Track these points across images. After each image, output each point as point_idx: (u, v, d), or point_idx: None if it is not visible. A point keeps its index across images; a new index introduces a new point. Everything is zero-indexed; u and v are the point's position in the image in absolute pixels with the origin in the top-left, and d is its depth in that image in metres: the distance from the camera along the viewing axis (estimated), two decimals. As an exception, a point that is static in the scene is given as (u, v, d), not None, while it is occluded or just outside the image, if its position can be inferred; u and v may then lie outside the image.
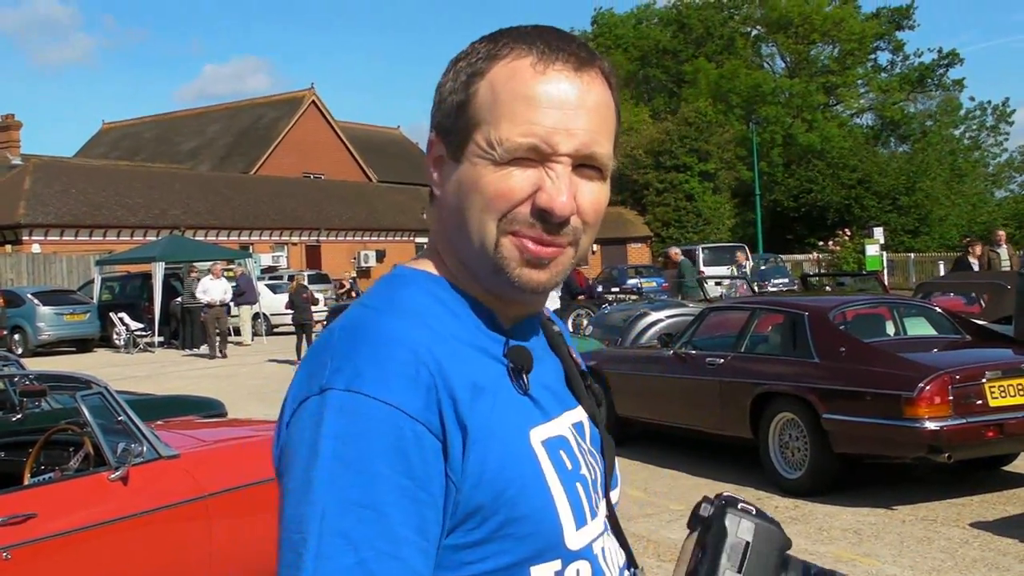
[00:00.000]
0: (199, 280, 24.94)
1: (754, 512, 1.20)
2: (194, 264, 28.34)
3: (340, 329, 1.22)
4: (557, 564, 1.22)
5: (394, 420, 1.12)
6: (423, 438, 1.13)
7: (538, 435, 1.25)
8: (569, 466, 1.26)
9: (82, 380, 5.16)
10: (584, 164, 1.26)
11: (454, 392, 1.17)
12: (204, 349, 24.88)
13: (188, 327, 26.52)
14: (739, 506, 1.20)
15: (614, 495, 1.38)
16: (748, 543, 1.17)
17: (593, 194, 1.28)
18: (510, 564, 1.19)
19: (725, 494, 1.24)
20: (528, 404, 1.26)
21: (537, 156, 1.23)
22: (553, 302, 20.81)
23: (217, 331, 23.49)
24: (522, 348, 1.28)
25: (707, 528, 1.20)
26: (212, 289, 23.87)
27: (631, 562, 1.37)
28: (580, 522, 1.25)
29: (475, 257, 1.28)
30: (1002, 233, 22.08)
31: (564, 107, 1.24)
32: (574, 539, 1.24)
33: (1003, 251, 20.71)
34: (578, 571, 1.25)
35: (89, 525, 4.54)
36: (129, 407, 5.03)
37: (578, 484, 1.27)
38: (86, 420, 4.83)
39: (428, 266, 1.35)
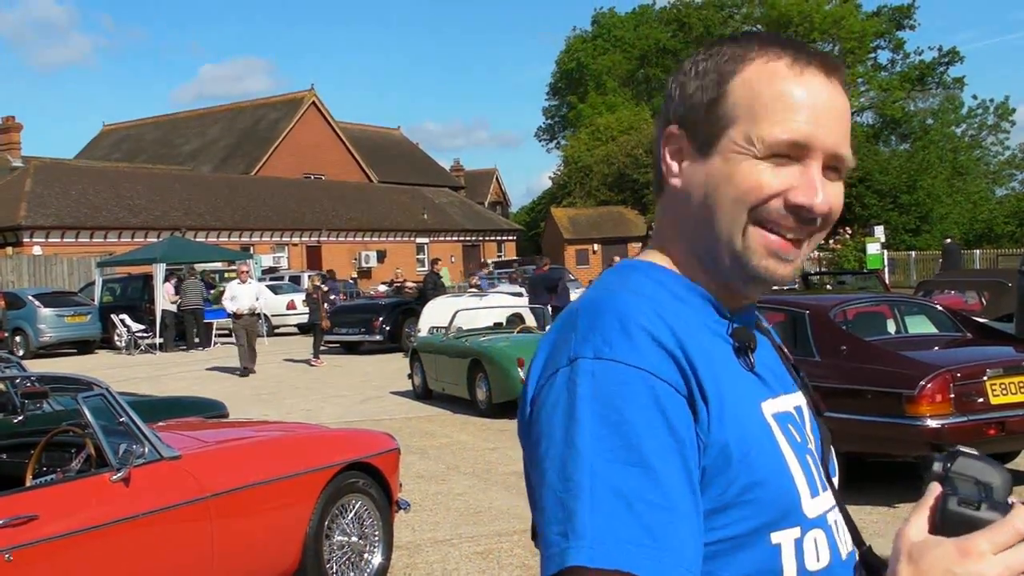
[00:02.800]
0: (198, 284, 24.74)
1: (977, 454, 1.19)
2: (193, 266, 28.37)
3: (580, 308, 1.26)
4: (796, 531, 1.25)
5: (648, 382, 1.16)
6: (676, 399, 1.17)
7: (768, 408, 1.29)
8: (798, 439, 1.31)
9: (83, 381, 5.16)
10: (830, 164, 1.31)
11: (692, 359, 1.20)
12: (202, 351, 24.92)
13: (191, 329, 26.64)
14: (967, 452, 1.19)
15: (835, 481, 1.40)
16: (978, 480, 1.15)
17: (837, 194, 1.32)
18: (752, 529, 1.21)
19: (956, 447, 1.21)
20: (755, 380, 1.31)
21: (794, 153, 1.28)
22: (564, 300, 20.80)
23: (246, 344, 19.98)
24: (745, 328, 1.34)
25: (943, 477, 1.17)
26: (241, 295, 20.09)
27: (858, 541, 1.38)
28: (813, 492, 1.29)
29: (718, 247, 1.31)
30: None
31: (820, 108, 1.28)
32: (810, 507, 1.27)
33: None
34: (815, 540, 1.27)
35: (91, 527, 4.54)
36: (131, 408, 5.03)
37: (807, 456, 1.31)
38: (88, 421, 4.83)
39: (653, 257, 1.38)
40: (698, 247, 1.33)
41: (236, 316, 19.89)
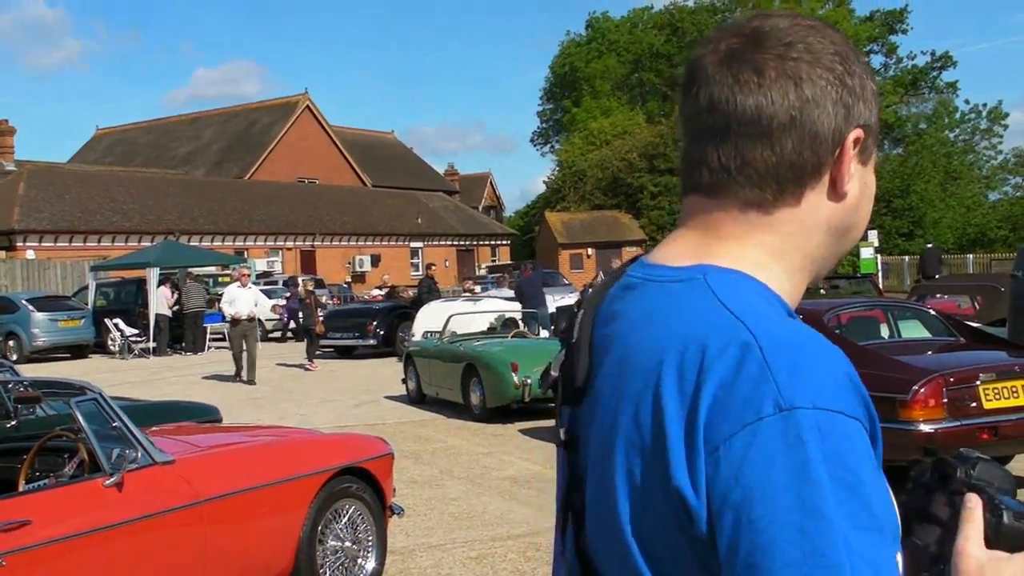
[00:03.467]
0: (200, 287, 24.67)
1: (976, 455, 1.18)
2: (191, 270, 28.36)
3: (766, 340, 1.06)
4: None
5: (862, 433, 1.04)
6: (873, 450, 1.06)
7: None
8: None
9: (76, 386, 5.16)
10: None
11: (865, 394, 1.08)
12: (196, 356, 24.89)
13: (191, 332, 26.72)
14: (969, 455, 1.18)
15: None
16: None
17: None
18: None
19: (961, 451, 1.20)
20: None
21: None
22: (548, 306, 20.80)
23: (244, 350, 19.15)
24: None
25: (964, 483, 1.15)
26: (239, 300, 19.19)
27: None
28: None
29: (842, 252, 1.27)
30: None
31: None
32: None
33: None
34: None
35: (84, 532, 4.54)
36: (124, 413, 5.02)
37: None
38: (80, 426, 4.82)
39: (743, 267, 1.20)
40: (823, 259, 1.25)
41: (234, 321, 19.17)
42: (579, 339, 1.23)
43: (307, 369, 21.26)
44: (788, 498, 0.99)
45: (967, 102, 69.95)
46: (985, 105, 68.19)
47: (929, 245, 33.68)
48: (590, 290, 1.36)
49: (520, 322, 18.01)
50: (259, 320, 25.83)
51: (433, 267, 28.03)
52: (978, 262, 38.06)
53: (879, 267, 34.26)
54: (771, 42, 1.21)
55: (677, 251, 1.23)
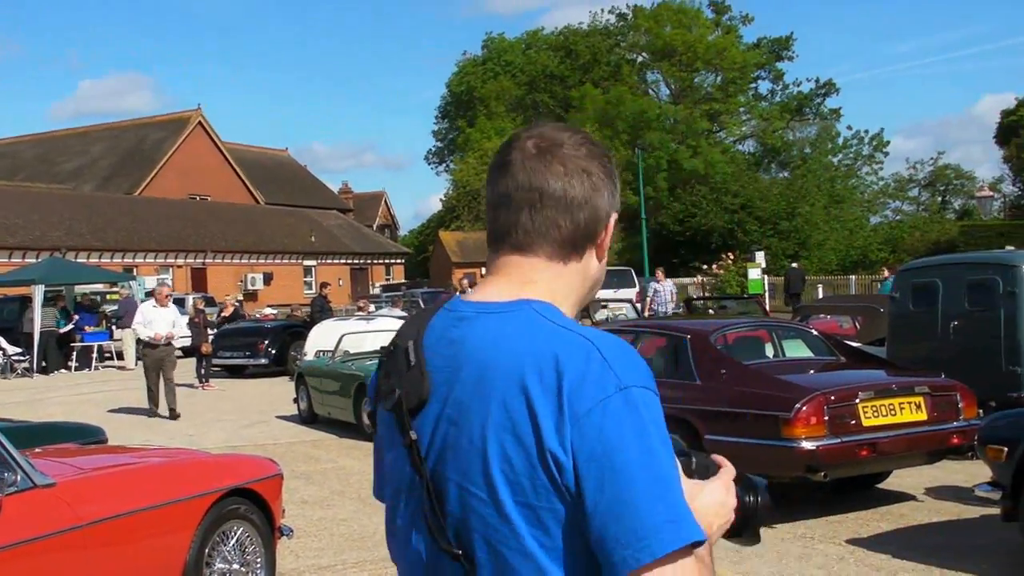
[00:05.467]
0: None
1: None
2: (61, 291, 27.75)
3: (602, 343, 1.54)
4: None
5: (659, 403, 1.54)
6: None
7: None
8: None
9: (-46, 408, 5.03)
10: None
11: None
12: (84, 375, 24.27)
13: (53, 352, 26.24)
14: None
15: None
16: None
17: None
18: None
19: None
20: None
21: None
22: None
23: (159, 378, 16.67)
24: None
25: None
26: (157, 321, 16.63)
27: None
28: None
29: (590, 298, 1.77)
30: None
31: None
32: None
33: None
34: None
35: (-40, 557, 4.42)
36: (3, 434, 4.91)
37: None
38: (-42, 449, 4.71)
39: (551, 300, 1.66)
40: (582, 300, 1.72)
41: (149, 346, 16.62)
42: (418, 362, 1.62)
43: (202, 388, 20.92)
44: (636, 446, 1.46)
45: (849, 128, 72.09)
46: (867, 131, 70.34)
47: (794, 265, 34.90)
48: (401, 325, 1.75)
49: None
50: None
51: (327, 286, 27.80)
52: (860, 283, 39.06)
53: (766, 287, 34.95)
54: (568, 145, 1.67)
55: (495, 292, 1.66)
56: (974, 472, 9.74)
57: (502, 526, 1.51)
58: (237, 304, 31.12)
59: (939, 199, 74.84)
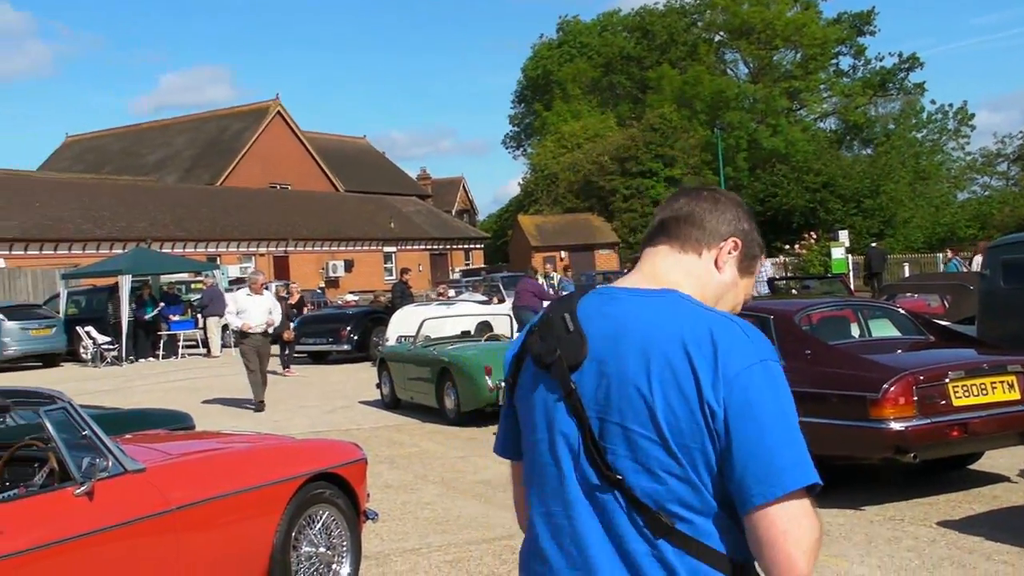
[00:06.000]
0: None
1: None
2: (147, 281, 28.26)
3: (733, 323, 1.99)
4: None
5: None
6: None
7: None
8: None
9: (45, 395, 5.12)
10: None
11: None
12: (171, 363, 24.71)
13: (140, 340, 26.74)
14: None
15: None
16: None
17: None
18: None
19: None
20: None
21: None
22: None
23: (257, 370, 16.04)
24: None
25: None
26: (251, 309, 15.98)
27: None
28: None
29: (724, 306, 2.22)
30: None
31: None
32: None
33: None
34: None
35: (54, 541, 4.50)
36: (94, 421, 4.99)
37: None
38: (50, 435, 4.80)
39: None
40: (710, 300, 2.17)
41: (243, 335, 16.03)
42: (576, 329, 2.04)
43: (284, 375, 21.19)
44: (772, 404, 1.91)
45: (933, 102, 70.33)
46: (952, 105, 68.71)
47: (874, 244, 34.50)
48: (549, 303, 2.32)
49: (492, 325, 18.00)
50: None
51: (408, 272, 27.89)
52: (948, 261, 38.26)
53: (850, 267, 34.42)
54: (710, 192, 2.28)
55: (638, 282, 2.14)
56: (1070, 452, 9.51)
57: (664, 458, 1.93)
58: (303, 292, 30.95)
59: (1029, 174, 73.02)
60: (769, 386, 1.91)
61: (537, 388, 2.07)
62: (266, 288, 16.63)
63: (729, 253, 2.17)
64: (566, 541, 2.02)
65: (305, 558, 5.92)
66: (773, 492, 1.85)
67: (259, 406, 15.92)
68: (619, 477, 1.95)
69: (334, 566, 6.13)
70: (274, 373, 20.95)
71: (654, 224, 2.24)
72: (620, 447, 1.95)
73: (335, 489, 6.14)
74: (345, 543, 6.20)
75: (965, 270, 23.15)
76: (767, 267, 27.24)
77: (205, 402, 17.19)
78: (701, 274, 2.15)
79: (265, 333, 16.08)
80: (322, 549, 6.03)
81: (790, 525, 1.86)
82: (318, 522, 6.03)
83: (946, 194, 62.84)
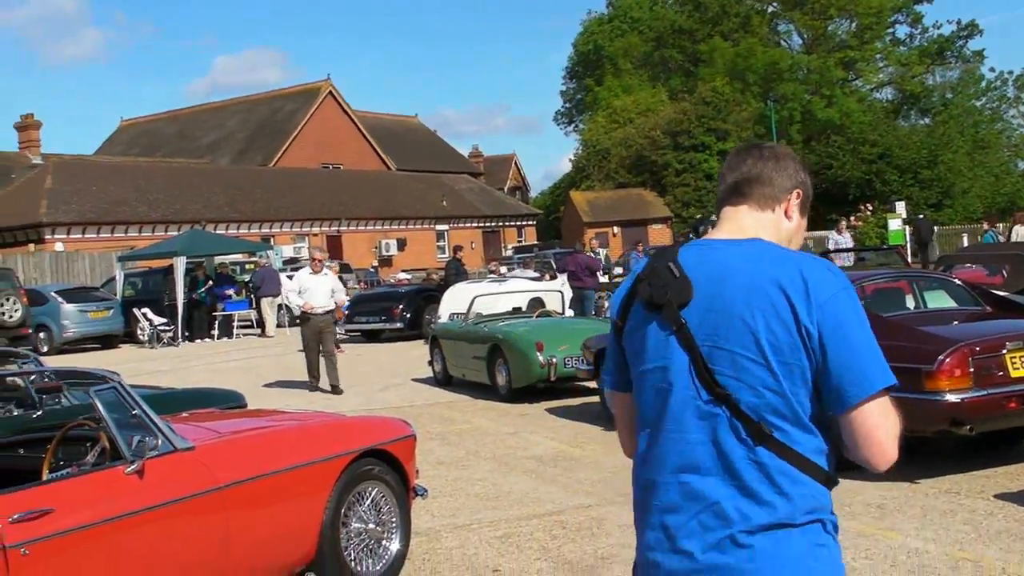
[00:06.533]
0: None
1: None
2: (202, 262, 28.55)
3: (818, 261, 2.40)
4: None
5: None
6: None
7: None
8: None
9: (96, 375, 5.18)
10: None
11: None
12: (227, 343, 24.96)
13: (196, 321, 27.08)
14: None
15: None
16: None
17: None
18: None
19: None
20: None
21: None
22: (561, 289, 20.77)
23: (317, 351, 15.56)
24: None
25: None
26: (313, 289, 15.34)
27: None
28: None
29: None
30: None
31: None
32: None
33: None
34: None
35: (105, 519, 4.55)
36: (144, 401, 5.03)
37: None
38: (101, 415, 4.85)
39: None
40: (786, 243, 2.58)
41: (304, 316, 15.61)
42: (682, 275, 2.42)
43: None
44: (857, 323, 2.31)
45: (992, 70, 69.05)
46: (1011, 73, 67.42)
47: (921, 216, 34.11)
48: (652, 252, 2.97)
49: (544, 301, 17.95)
50: (287, 307, 25.54)
51: (461, 249, 27.85)
52: (984, 233, 37.65)
53: (907, 238, 33.93)
54: (769, 150, 2.64)
55: (728, 234, 2.53)
56: None
57: (767, 377, 2.32)
58: (357, 271, 30.37)
59: (1091, 141, 71.57)
60: (853, 309, 2.33)
61: (650, 326, 2.46)
62: (325, 267, 15.91)
63: (793, 203, 2.59)
64: (675, 450, 2.42)
65: (355, 534, 5.95)
66: (867, 391, 2.28)
67: (335, 388, 15.39)
68: (727, 393, 2.33)
69: (384, 542, 6.15)
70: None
71: (728, 185, 2.60)
72: (727, 368, 2.34)
73: (384, 466, 6.16)
74: (395, 519, 6.22)
75: (1002, 239, 22.69)
76: (844, 237, 27.04)
77: (259, 381, 17.31)
78: (778, 224, 2.57)
79: (327, 311, 15.46)
80: (371, 525, 6.05)
81: (880, 419, 2.31)
82: (368, 499, 6.05)
83: (1007, 163, 61.80)
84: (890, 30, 67.54)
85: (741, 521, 2.31)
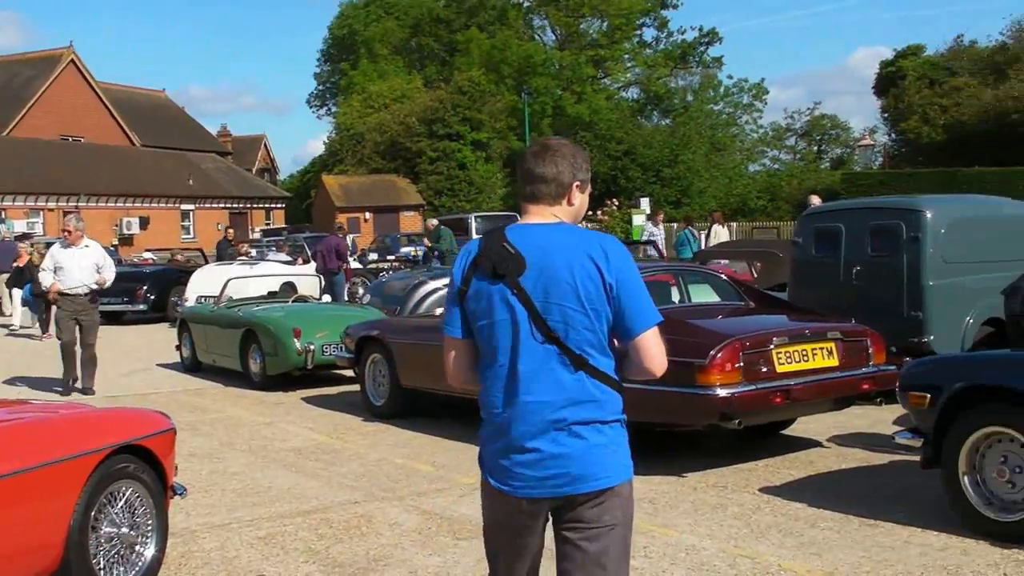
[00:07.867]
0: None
1: None
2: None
3: (613, 239, 3.28)
4: None
5: None
6: None
7: None
8: None
9: None
10: None
11: None
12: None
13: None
14: None
15: None
16: None
17: None
18: None
19: None
20: None
21: None
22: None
23: (76, 340, 13.06)
24: None
25: None
26: (70, 267, 12.83)
27: None
28: None
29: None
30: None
31: None
32: None
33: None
34: None
35: None
36: None
37: None
38: None
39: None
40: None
41: (59, 295, 13.01)
42: (516, 251, 3.21)
43: (42, 339, 19.43)
44: (639, 279, 3.25)
45: (730, 77, 72.58)
46: (747, 80, 70.94)
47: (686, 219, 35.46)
48: (479, 236, 3.50)
49: (297, 286, 17.40)
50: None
51: (231, 228, 27.60)
52: (740, 230, 39.50)
53: (643, 235, 34.90)
54: (551, 156, 3.37)
55: (538, 219, 3.33)
56: (876, 417, 9.73)
57: (584, 320, 3.16)
58: (32, 252, 26.14)
59: (815, 148, 76.17)
60: (634, 269, 3.22)
61: (495, 288, 3.21)
62: (83, 238, 13.12)
63: (575, 192, 3.36)
64: (520, 377, 3.21)
65: (105, 539, 5.35)
66: (647, 324, 3.21)
67: (86, 389, 13.07)
68: (555, 335, 3.17)
69: (137, 547, 5.58)
70: (30, 337, 19.65)
71: (526, 192, 3.36)
72: (556, 316, 3.16)
73: (140, 463, 5.60)
74: (150, 521, 5.66)
75: (696, 239, 23.66)
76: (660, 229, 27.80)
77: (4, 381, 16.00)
78: (569, 211, 3.36)
79: (92, 296, 13.06)
80: (125, 529, 5.47)
81: (655, 341, 3.23)
82: (121, 499, 5.47)
83: (739, 165, 64.78)
84: (638, 32, 69.92)
85: (573, 422, 3.18)
